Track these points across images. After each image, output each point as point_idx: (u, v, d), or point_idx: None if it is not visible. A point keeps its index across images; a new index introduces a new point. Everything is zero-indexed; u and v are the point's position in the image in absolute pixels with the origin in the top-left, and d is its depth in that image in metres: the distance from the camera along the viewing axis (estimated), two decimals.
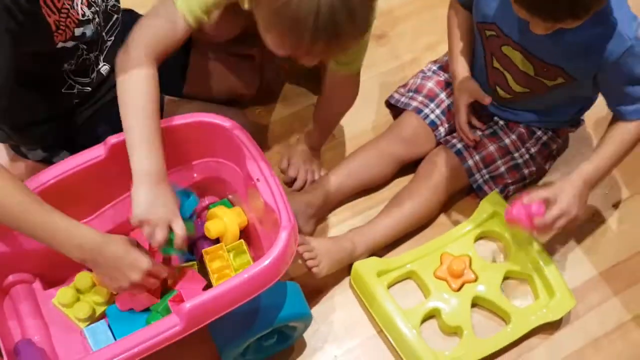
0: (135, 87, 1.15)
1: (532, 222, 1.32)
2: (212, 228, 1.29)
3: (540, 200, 1.33)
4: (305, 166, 1.60)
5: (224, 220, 1.29)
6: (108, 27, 1.35)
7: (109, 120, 1.38)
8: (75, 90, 1.34)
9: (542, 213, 1.32)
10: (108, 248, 1.13)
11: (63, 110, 1.36)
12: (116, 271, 1.14)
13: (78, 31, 1.22)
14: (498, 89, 1.51)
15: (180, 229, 1.15)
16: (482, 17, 1.41)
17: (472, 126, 1.54)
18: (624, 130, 1.38)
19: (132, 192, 1.13)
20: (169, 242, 1.15)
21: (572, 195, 1.33)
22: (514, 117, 1.55)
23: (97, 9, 1.27)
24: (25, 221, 1.09)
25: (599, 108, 1.67)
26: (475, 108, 1.55)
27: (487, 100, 1.50)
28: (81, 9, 1.21)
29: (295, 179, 1.60)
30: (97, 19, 1.27)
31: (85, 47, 1.29)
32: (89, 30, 1.24)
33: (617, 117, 1.39)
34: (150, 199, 1.13)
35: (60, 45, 1.21)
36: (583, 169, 1.36)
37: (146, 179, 1.13)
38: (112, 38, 1.36)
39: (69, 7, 1.18)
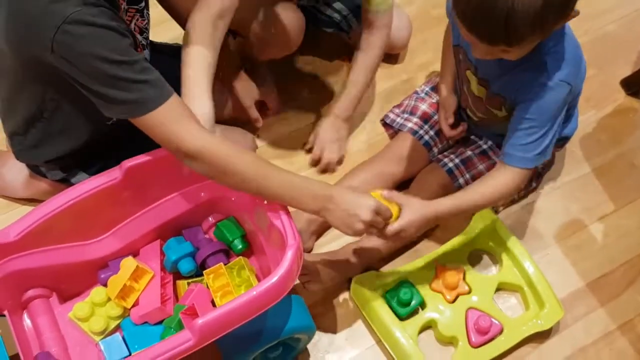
0: None
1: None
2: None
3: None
4: (329, 145, 1.68)
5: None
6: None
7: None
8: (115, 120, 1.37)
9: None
10: (337, 194, 1.20)
11: (98, 139, 1.39)
12: (347, 214, 1.20)
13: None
14: (468, 110, 1.55)
15: None
16: (456, 40, 1.45)
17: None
18: (496, 175, 1.37)
19: None
20: None
21: (418, 220, 1.32)
22: (495, 139, 1.57)
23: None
24: (266, 187, 1.19)
25: (584, 125, 1.73)
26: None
27: (449, 120, 1.58)
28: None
29: (318, 161, 1.68)
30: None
31: None
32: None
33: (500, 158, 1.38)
34: None
35: None
36: (440, 206, 1.35)
37: None
38: None
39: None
